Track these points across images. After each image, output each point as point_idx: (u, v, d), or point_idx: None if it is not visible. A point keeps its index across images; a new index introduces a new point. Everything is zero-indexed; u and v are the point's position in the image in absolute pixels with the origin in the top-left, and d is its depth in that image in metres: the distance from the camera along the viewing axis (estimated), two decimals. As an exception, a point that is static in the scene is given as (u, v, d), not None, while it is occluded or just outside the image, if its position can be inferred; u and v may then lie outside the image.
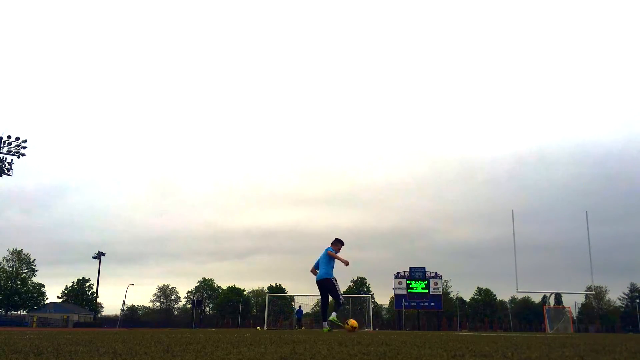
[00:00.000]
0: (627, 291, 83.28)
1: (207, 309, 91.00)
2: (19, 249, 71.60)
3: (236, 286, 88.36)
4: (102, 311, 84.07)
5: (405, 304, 55.80)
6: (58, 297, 79.70)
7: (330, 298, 10.89)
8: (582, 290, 53.04)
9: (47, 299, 74.61)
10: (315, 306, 79.48)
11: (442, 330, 50.96)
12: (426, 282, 55.99)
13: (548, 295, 49.92)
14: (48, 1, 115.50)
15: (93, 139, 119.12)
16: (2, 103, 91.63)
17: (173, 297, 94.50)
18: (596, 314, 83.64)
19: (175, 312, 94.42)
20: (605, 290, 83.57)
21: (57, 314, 67.18)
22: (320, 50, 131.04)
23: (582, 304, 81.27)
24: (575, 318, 57.61)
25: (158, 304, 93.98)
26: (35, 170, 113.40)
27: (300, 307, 40.44)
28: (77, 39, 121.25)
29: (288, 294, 74.65)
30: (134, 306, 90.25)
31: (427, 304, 56.00)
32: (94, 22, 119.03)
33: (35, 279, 72.55)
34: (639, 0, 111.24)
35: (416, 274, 56.43)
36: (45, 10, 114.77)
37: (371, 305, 53.08)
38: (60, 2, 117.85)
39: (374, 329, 44.69)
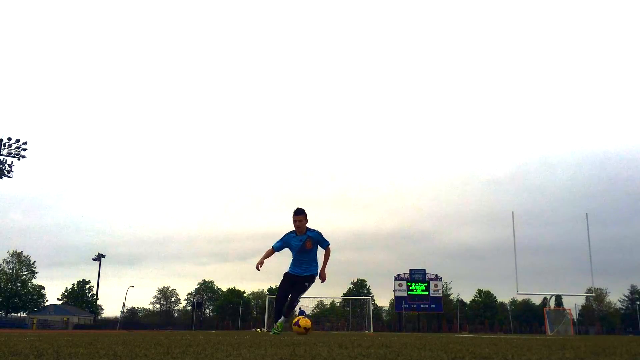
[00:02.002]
0: (627, 293, 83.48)
1: (207, 310, 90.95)
2: (19, 251, 71.61)
3: (236, 288, 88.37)
4: (102, 313, 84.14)
5: (406, 306, 55.73)
6: (58, 299, 79.66)
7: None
8: (583, 292, 53.04)
9: (47, 301, 74.65)
10: (315, 308, 79.42)
11: (442, 332, 50.91)
12: (426, 284, 55.91)
13: (548, 297, 49.81)
14: (48, 2, 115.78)
15: (93, 141, 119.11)
16: (2, 105, 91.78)
17: (173, 299, 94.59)
18: (596, 315, 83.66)
19: (176, 314, 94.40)
20: (606, 293, 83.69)
21: (57, 316, 67.17)
22: (322, 52, 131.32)
23: (583, 306, 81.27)
24: (575, 320, 57.52)
25: (158, 305, 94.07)
26: (35, 172, 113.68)
27: (300, 309, 40.51)
28: (78, 41, 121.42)
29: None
30: (134, 308, 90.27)
31: (427, 306, 55.91)
32: (94, 25, 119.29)
33: (35, 281, 72.58)
34: (638, 6, 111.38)
35: (416, 276, 56.36)
36: (46, 12, 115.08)
37: (371, 308, 53.11)
38: (60, 4, 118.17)
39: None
